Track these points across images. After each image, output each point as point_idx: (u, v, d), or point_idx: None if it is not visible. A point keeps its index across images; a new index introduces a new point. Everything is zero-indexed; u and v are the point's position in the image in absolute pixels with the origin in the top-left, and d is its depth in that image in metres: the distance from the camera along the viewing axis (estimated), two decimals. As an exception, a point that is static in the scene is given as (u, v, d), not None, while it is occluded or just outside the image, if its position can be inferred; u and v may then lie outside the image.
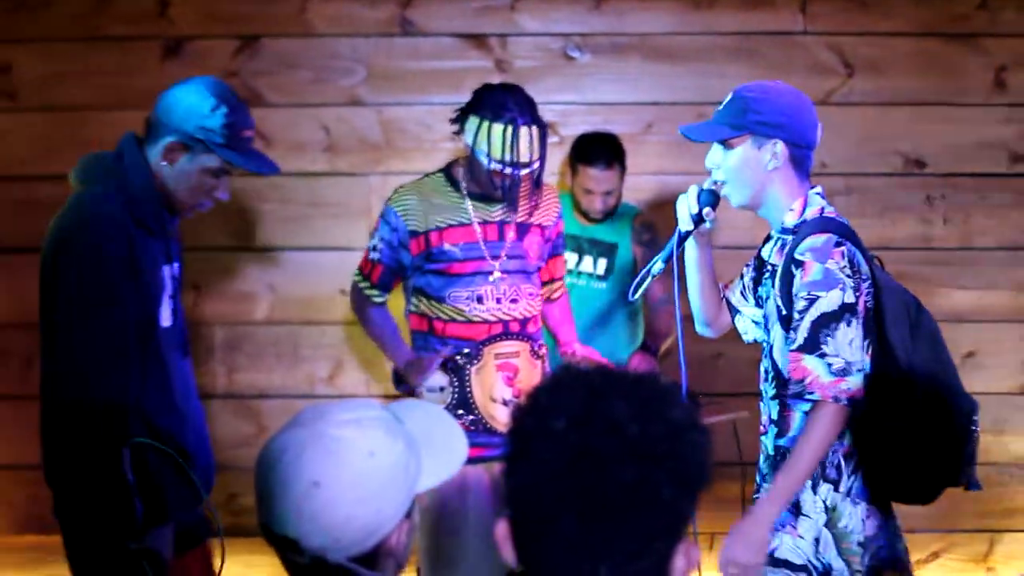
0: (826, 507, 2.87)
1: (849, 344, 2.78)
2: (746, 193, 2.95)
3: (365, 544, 1.87)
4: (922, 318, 2.90)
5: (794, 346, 2.82)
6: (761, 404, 3.03)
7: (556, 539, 1.54)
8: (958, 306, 4.52)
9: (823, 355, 2.77)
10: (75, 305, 2.84)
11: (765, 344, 3.01)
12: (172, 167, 2.99)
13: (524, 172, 3.49)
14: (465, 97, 4.46)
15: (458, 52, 4.49)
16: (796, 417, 2.90)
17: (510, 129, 3.46)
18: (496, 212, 3.62)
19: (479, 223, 3.61)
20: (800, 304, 2.82)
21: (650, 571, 1.55)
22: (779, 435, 2.94)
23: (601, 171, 4.18)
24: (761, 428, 3.02)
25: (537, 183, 3.63)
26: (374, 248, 3.67)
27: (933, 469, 2.88)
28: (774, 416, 2.96)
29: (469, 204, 3.61)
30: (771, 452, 2.97)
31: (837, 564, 2.88)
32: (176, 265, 3.11)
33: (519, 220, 3.65)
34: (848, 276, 2.79)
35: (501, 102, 3.50)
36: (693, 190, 3.02)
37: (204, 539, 3.23)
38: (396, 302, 3.75)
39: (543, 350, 3.69)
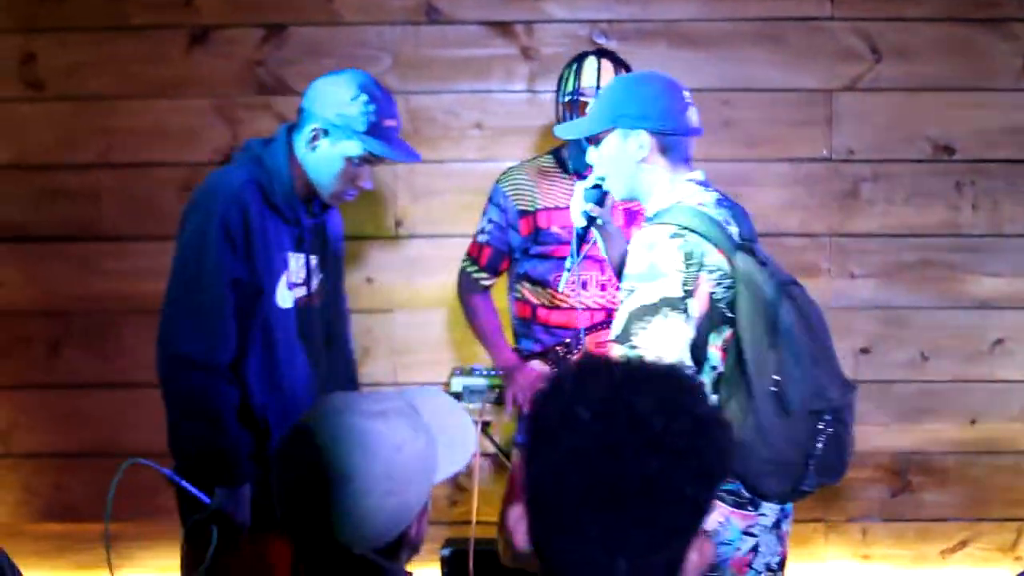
0: None
1: (663, 338, 2.74)
2: (621, 185, 2.99)
3: (389, 536, 1.88)
4: (780, 316, 2.82)
5: (610, 336, 2.83)
6: None
7: (574, 528, 1.54)
8: (987, 293, 4.50)
9: (633, 347, 2.75)
10: (178, 265, 3.08)
11: None
12: (315, 152, 3.13)
13: (587, 100, 3.48)
14: (491, 85, 4.48)
15: (484, 39, 4.48)
16: None
17: (592, 59, 3.54)
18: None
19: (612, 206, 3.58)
20: (622, 294, 2.82)
21: (665, 565, 1.55)
22: None
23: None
24: None
25: None
26: (482, 231, 3.70)
27: (772, 471, 2.85)
28: None
29: (578, 185, 3.59)
30: None
31: None
32: (312, 257, 3.24)
33: (628, 206, 3.57)
34: (677, 269, 2.76)
35: (596, 50, 3.62)
36: (579, 189, 3.10)
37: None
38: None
39: None
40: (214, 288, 3.04)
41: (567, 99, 3.58)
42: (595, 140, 3.01)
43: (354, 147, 3.13)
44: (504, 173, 3.70)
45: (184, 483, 3.00)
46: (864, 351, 4.50)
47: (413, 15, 4.47)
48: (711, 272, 2.80)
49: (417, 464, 1.90)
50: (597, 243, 3.19)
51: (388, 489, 1.86)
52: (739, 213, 2.97)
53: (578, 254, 3.12)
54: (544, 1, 4.48)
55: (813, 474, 2.85)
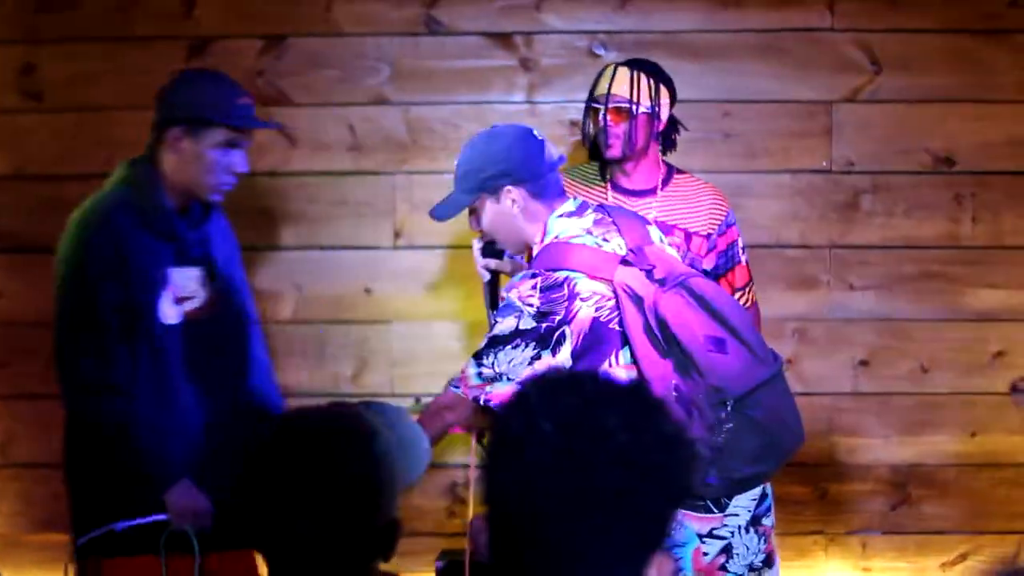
0: None
1: (509, 363, 2.97)
2: (511, 243, 3.17)
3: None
4: (667, 320, 2.91)
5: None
6: None
7: (535, 541, 1.53)
8: (987, 305, 4.48)
9: (480, 364, 3.01)
10: (59, 296, 3.16)
11: None
12: (181, 154, 3.08)
13: (615, 107, 3.49)
14: (491, 96, 4.48)
15: (484, 51, 4.48)
16: None
17: (610, 67, 3.59)
18: (636, 206, 3.56)
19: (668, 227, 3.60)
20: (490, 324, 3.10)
21: None
22: None
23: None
24: None
25: (647, 137, 3.58)
26: None
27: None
28: None
29: (610, 194, 3.60)
30: None
31: None
32: (195, 270, 3.20)
33: (659, 219, 3.57)
34: (531, 304, 2.95)
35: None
36: (475, 247, 3.33)
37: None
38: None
39: None
40: (98, 314, 3.08)
41: (592, 107, 3.62)
42: (473, 211, 3.16)
43: (218, 134, 3.13)
44: None
45: (139, 521, 3.09)
46: (863, 363, 4.49)
47: (412, 26, 4.48)
48: (585, 300, 2.96)
49: (392, 473, 1.92)
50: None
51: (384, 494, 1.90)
52: (626, 223, 3.03)
53: (494, 306, 3.30)
54: (543, 12, 4.48)
55: (736, 464, 2.87)
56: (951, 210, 4.49)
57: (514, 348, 2.96)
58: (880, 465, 4.53)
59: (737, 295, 3.67)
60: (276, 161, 4.49)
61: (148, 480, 3.10)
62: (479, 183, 3.05)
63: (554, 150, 3.08)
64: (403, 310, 4.51)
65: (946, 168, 4.48)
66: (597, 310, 2.93)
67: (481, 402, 3.00)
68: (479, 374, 3.00)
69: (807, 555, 4.52)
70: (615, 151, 3.53)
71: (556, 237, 3.00)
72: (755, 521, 2.97)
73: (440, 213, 3.21)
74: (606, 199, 3.60)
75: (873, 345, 4.49)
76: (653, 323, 2.88)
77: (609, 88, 3.52)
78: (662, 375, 2.85)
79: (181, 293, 3.19)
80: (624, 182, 3.61)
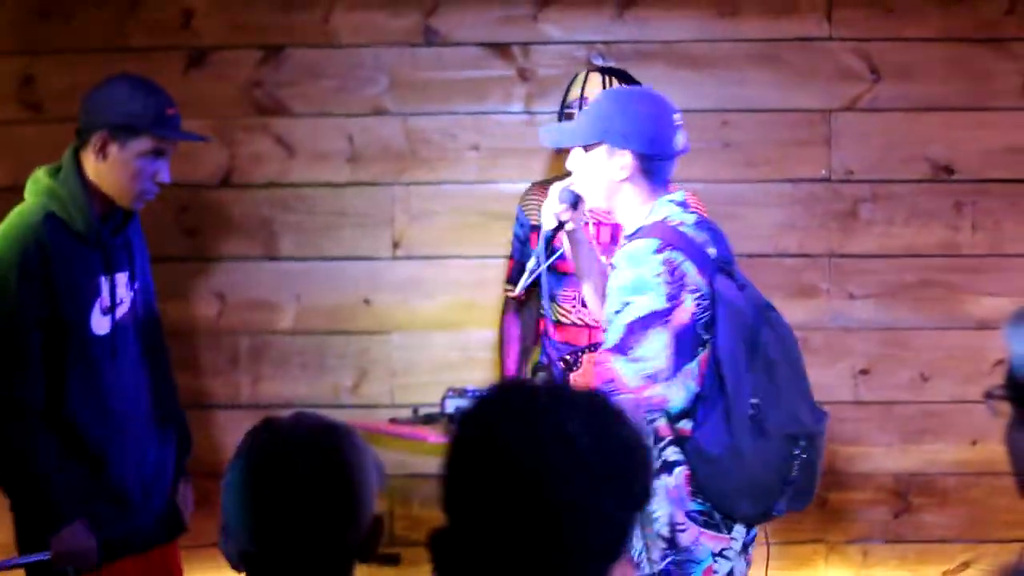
0: None
1: (655, 352, 2.80)
2: (599, 197, 3.02)
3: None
4: (760, 340, 2.85)
5: (606, 345, 2.85)
6: None
7: (495, 550, 1.54)
8: (987, 314, 4.48)
9: (634, 359, 2.80)
10: None
11: None
12: (107, 161, 3.07)
13: (571, 112, 3.51)
14: (489, 106, 4.49)
15: (482, 61, 4.48)
16: None
17: (582, 74, 3.57)
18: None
19: (594, 223, 3.60)
20: (614, 305, 2.85)
21: None
22: None
23: None
24: None
25: None
26: (512, 245, 3.78)
27: (747, 493, 2.86)
28: None
29: (554, 186, 3.59)
30: None
31: (637, 543, 2.88)
32: (122, 275, 3.18)
33: (608, 220, 3.58)
34: (664, 283, 2.80)
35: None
36: (554, 189, 3.09)
37: (146, 548, 3.25)
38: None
39: None
40: (20, 334, 3.02)
41: (566, 112, 3.65)
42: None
43: (144, 142, 3.10)
44: (525, 189, 3.81)
45: (20, 560, 3.05)
46: (864, 372, 4.49)
47: (410, 37, 4.48)
48: (692, 292, 2.84)
49: (373, 477, 1.93)
50: (564, 249, 3.20)
51: (372, 494, 1.93)
52: (718, 235, 2.99)
53: (545, 259, 3.11)
54: (541, 22, 4.48)
55: (786, 499, 2.85)
56: (951, 218, 4.48)
57: (655, 333, 2.80)
58: (881, 474, 4.53)
59: None
60: (275, 172, 4.50)
61: (37, 516, 3.07)
62: (602, 132, 2.94)
63: (683, 139, 2.99)
64: (402, 320, 4.51)
65: (946, 176, 4.48)
66: (697, 305, 2.85)
67: (642, 409, 2.81)
68: (637, 372, 2.81)
69: (807, 564, 4.52)
70: None
71: (666, 219, 2.91)
72: (745, 548, 2.98)
73: (552, 138, 3.14)
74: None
75: (873, 354, 4.49)
76: (746, 339, 2.84)
77: (582, 93, 3.54)
78: (745, 387, 2.82)
79: (108, 302, 3.17)
80: None
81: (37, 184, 3.17)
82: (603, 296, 3.04)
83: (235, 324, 4.54)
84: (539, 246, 3.11)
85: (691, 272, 2.84)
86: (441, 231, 4.47)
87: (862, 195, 4.47)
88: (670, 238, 2.86)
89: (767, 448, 2.80)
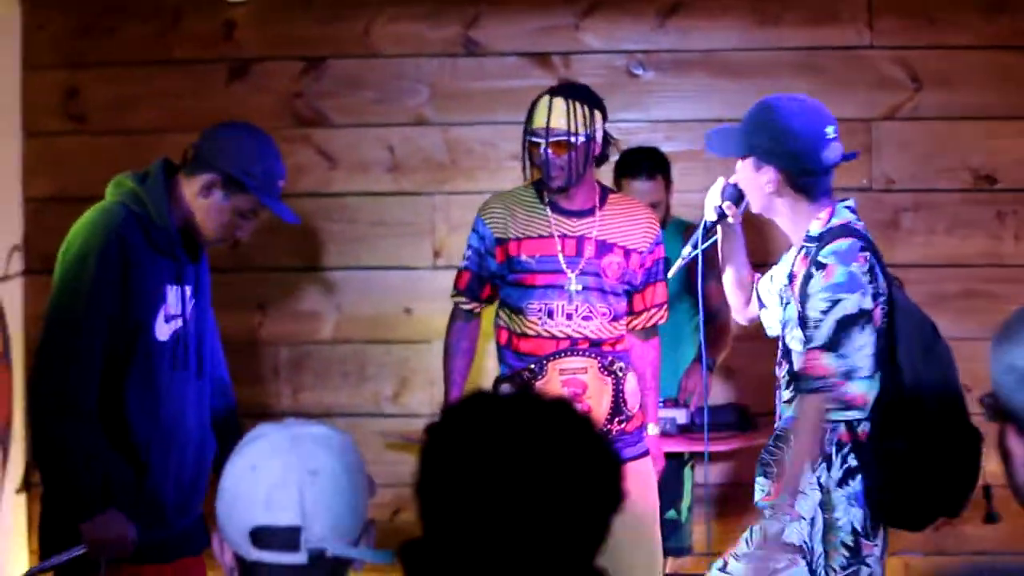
0: (820, 486, 2.91)
1: (859, 349, 2.85)
2: (755, 204, 3.07)
3: (356, 533, 1.89)
4: (938, 345, 2.94)
5: (814, 344, 2.88)
6: (781, 409, 3.06)
7: (466, 560, 1.55)
8: (1030, 324, 4.44)
9: (842, 356, 2.84)
10: (54, 305, 3.12)
11: (781, 349, 3.05)
12: (207, 200, 3.14)
13: (555, 141, 3.49)
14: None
15: (522, 71, 4.49)
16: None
17: (545, 99, 3.54)
18: (577, 227, 3.60)
19: (559, 236, 3.60)
20: (822, 304, 2.88)
21: None
22: None
23: (643, 183, 4.16)
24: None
25: (585, 164, 3.56)
26: (464, 257, 3.72)
27: (932, 495, 2.89)
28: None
29: (551, 217, 3.61)
30: None
31: (818, 548, 2.91)
32: (187, 288, 3.25)
33: (600, 237, 3.60)
34: (868, 283, 2.87)
35: (552, 87, 3.64)
36: (719, 183, 3.13)
37: (172, 558, 3.28)
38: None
39: (617, 366, 3.58)
40: (86, 328, 3.07)
41: (533, 140, 3.56)
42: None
43: (248, 202, 3.15)
44: (485, 202, 3.72)
45: (55, 561, 3.07)
46: (906, 382, 4.46)
47: (451, 47, 4.50)
48: (881, 295, 2.91)
49: (361, 465, 1.93)
50: (718, 240, 3.25)
51: (353, 483, 1.89)
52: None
53: (700, 247, 3.21)
54: (581, 32, 4.49)
55: (953, 505, 2.91)
56: (993, 228, 4.46)
57: (860, 330, 2.87)
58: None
59: (652, 311, 3.70)
60: (316, 182, 4.52)
61: (70, 505, 3.10)
62: (750, 146, 3.00)
63: (836, 152, 3.02)
64: (443, 330, 4.50)
65: (988, 185, 4.46)
66: (881, 309, 2.92)
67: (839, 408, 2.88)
68: (845, 367, 2.87)
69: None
70: (559, 182, 3.55)
71: (849, 223, 2.97)
72: (882, 554, 3.12)
73: (714, 144, 3.18)
74: (548, 222, 3.61)
75: (915, 364, 4.47)
76: (925, 347, 2.89)
77: (548, 122, 3.52)
78: (923, 396, 2.88)
79: (173, 311, 3.22)
80: (564, 204, 3.62)
81: (121, 187, 3.20)
82: (743, 290, 3.21)
83: (276, 334, 4.57)
84: (698, 233, 3.21)
85: (880, 275, 2.92)
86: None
87: (903, 204, 4.45)
88: (863, 240, 2.93)
89: (947, 454, 2.84)
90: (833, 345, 2.85)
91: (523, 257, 3.60)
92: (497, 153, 4.49)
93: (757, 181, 2.99)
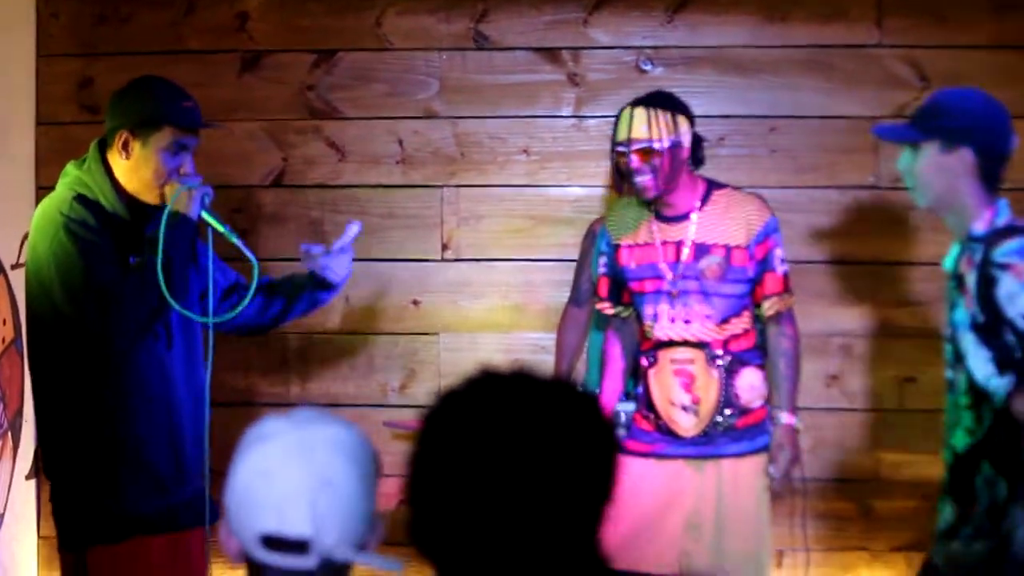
0: None
1: None
2: (930, 196, 3.01)
3: (366, 537, 1.89)
4: None
5: None
6: (948, 413, 3.10)
7: (458, 539, 1.56)
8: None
9: None
10: (50, 280, 3.14)
11: (950, 354, 3.04)
12: (130, 158, 3.17)
13: (639, 149, 3.51)
14: (538, 110, 4.52)
15: (531, 65, 4.51)
16: None
17: (627, 110, 3.59)
18: (677, 231, 3.65)
19: (660, 243, 3.65)
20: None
21: None
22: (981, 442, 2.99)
23: None
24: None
25: (673, 169, 3.59)
26: (600, 264, 3.81)
27: None
28: (970, 425, 3.02)
29: (654, 223, 3.66)
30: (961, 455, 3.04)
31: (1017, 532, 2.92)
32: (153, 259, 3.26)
33: (698, 240, 3.64)
34: None
35: (636, 97, 3.64)
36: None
37: (176, 528, 3.31)
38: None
39: (724, 360, 3.66)
40: (107, 271, 3.11)
41: (617, 150, 3.61)
42: (914, 145, 3.01)
43: (164, 135, 3.18)
44: (608, 208, 3.83)
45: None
46: (909, 379, 4.47)
47: (461, 41, 4.52)
48: None
49: (377, 464, 1.92)
50: None
51: (367, 489, 1.88)
52: None
53: None
54: (591, 27, 4.51)
55: None
56: (1000, 227, 4.45)
57: None
58: (927, 482, 4.49)
59: (773, 299, 3.70)
60: (326, 174, 4.55)
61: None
62: (941, 129, 2.94)
63: (1016, 142, 2.98)
64: (450, 322, 4.55)
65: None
66: None
67: None
68: None
69: (850, 571, 4.51)
70: (650, 192, 3.59)
71: (1013, 219, 2.93)
72: None
73: (886, 134, 3.18)
74: (651, 228, 3.68)
75: (919, 361, 4.46)
76: None
77: (630, 132, 3.55)
78: None
79: None
80: (665, 210, 3.68)
81: (66, 176, 3.27)
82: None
83: (285, 324, 4.58)
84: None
85: None
86: (490, 234, 4.51)
87: (910, 202, 4.44)
88: None
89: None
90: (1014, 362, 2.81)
91: (632, 265, 3.68)
92: (506, 147, 4.52)
93: (943, 166, 2.93)
